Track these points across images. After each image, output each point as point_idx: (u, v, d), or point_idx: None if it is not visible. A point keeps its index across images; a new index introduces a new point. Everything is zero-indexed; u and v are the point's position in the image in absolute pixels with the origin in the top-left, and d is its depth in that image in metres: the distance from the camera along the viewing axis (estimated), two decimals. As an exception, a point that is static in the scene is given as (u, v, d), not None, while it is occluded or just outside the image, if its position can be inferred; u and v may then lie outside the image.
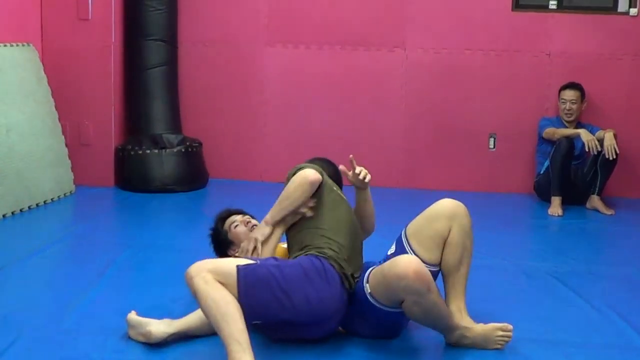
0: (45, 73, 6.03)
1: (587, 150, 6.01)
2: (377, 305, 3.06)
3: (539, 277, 4.29)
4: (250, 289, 2.88)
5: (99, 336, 3.19)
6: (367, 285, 3.09)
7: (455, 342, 3.17)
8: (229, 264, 2.93)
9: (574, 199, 6.18)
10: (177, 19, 6.67)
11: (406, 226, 3.39)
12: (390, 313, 3.08)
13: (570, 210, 6.03)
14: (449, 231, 3.27)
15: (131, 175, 6.33)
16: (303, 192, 3.26)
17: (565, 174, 6.08)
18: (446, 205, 3.35)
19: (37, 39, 6.21)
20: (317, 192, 3.32)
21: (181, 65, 6.76)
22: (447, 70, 6.69)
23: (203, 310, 2.86)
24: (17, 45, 5.75)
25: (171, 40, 6.59)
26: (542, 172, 6.32)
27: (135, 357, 3.03)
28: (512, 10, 6.60)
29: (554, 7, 6.57)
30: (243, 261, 2.97)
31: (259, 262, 3.00)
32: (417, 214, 3.43)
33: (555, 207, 5.99)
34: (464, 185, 6.75)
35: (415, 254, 3.22)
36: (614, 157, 5.93)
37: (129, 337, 3.18)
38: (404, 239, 3.34)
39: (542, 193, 6.32)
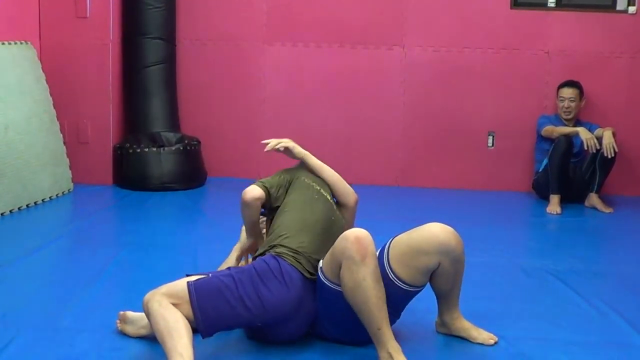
0: (43, 71, 6.02)
1: (585, 148, 6.01)
2: (324, 281, 3.02)
3: (538, 275, 4.29)
4: (203, 302, 2.92)
5: (98, 334, 3.20)
6: (322, 260, 3.07)
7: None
8: (181, 283, 2.97)
9: (573, 197, 6.18)
10: (175, 16, 6.66)
11: (390, 241, 3.13)
12: (338, 296, 2.98)
13: (569, 208, 6.03)
14: (439, 265, 3.07)
15: (129, 174, 6.33)
16: (245, 210, 3.46)
17: (564, 172, 6.08)
18: (436, 238, 3.04)
19: (35, 37, 6.21)
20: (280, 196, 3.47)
21: (179, 63, 6.76)
22: (446, 68, 6.69)
23: (154, 330, 2.88)
24: (15, 44, 5.74)
25: (169, 38, 6.58)
26: (540, 170, 6.32)
27: (134, 354, 3.04)
28: (511, 8, 6.60)
29: (553, 5, 6.57)
30: (193, 277, 3.00)
31: (210, 274, 3.03)
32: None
33: (554, 205, 5.99)
34: (463, 183, 6.76)
35: (397, 277, 3.02)
36: (613, 155, 5.93)
37: (127, 334, 3.18)
38: (385, 260, 3.06)
39: (541, 191, 6.32)
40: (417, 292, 3.13)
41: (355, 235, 2.88)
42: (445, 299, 3.23)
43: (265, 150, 3.64)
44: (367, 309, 2.87)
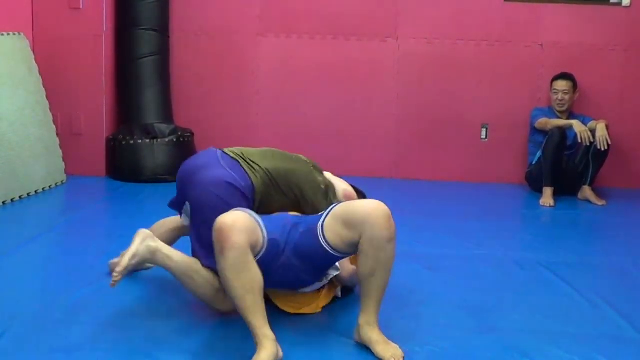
0: (36, 62, 6.00)
1: (579, 141, 6.01)
2: None
3: (531, 268, 4.30)
4: None
5: (91, 326, 3.19)
6: None
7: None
8: None
9: (566, 190, 6.19)
10: (169, 8, 6.64)
11: (335, 205, 3.13)
12: None
13: (562, 201, 6.04)
14: (360, 238, 2.94)
15: (123, 165, 6.32)
16: None
17: (557, 164, 6.08)
18: (361, 209, 2.96)
19: (29, 28, 6.18)
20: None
21: (173, 54, 6.74)
22: (440, 60, 6.69)
23: None
24: (8, 35, 5.72)
25: (163, 30, 6.57)
26: (534, 162, 6.33)
27: (128, 346, 3.03)
28: (505, 0, 6.60)
29: (547, -3, 6.58)
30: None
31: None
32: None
33: (547, 198, 6.00)
34: (456, 175, 6.77)
35: (327, 243, 3.01)
36: (606, 147, 5.93)
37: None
38: (322, 219, 3.06)
39: (534, 183, 6.33)
40: (340, 257, 3.11)
41: (219, 225, 2.86)
42: (364, 286, 3.02)
43: None
44: (232, 298, 2.89)
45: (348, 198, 3.50)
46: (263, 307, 2.88)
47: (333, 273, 3.33)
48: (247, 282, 2.84)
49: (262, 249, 2.98)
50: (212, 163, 3.31)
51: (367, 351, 3.01)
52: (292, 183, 3.37)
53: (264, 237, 2.99)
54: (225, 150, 3.40)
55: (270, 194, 3.32)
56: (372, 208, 2.94)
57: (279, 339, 2.85)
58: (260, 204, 3.29)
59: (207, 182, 3.24)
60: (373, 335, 3.00)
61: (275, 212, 3.31)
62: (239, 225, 2.86)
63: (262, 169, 3.33)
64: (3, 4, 5.87)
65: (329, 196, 3.46)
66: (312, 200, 3.40)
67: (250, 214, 2.98)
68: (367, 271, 2.97)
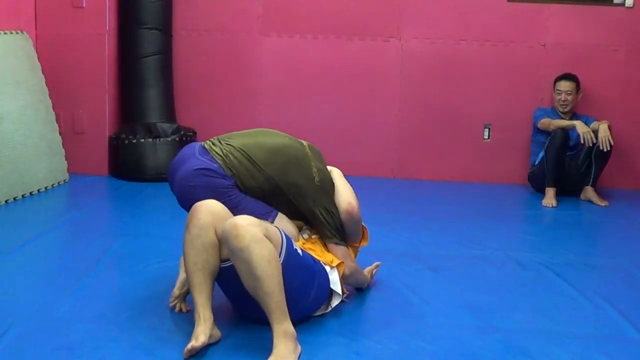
0: (39, 61, 6.01)
1: (582, 142, 6.01)
2: None
3: (533, 268, 4.30)
4: None
5: (93, 324, 3.19)
6: None
7: None
8: None
9: (568, 190, 6.19)
10: (172, 7, 6.64)
11: None
12: None
13: (564, 201, 6.04)
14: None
15: (125, 164, 6.32)
16: None
17: (560, 164, 6.08)
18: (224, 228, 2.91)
19: (31, 26, 6.19)
20: None
21: (176, 53, 6.74)
22: (442, 60, 6.69)
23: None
24: (11, 33, 5.72)
25: (166, 29, 6.57)
26: (536, 162, 6.33)
27: (130, 345, 3.03)
28: (508, 0, 6.59)
29: (550, -3, 6.58)
30: None
31: None
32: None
33: (550, 198, 6.00)
34: (458, 175, 6.77)
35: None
36: (608, 148, 5.94)
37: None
38: None
39: (537, 184, 6.33)
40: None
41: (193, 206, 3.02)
42: None
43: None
44: (186, 272, 3.03)
45: (349, 214, 3.42)
46: (210, 289, 2.96)
47: (335, 301, 3.34)
48: (199, 261, 2.95)
49: (282, 247, 2.98)
50: (188, 157, 3.30)
51: (367, 351, 3.02)
52: (273, 161, 3.31)
53: (281, 234, 3.02)
54: (206, 144, 3.36)
55: (249, 171, 3.25)
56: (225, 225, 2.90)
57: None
58: (243, 186, 3.25)
59: (181, 177, 3.26)
60: (275, 344, 2.85)
61: (270, 197, 3.30)
62: (208, 205, 2.98)
63: (234, 147, 3.28)
64: (6, 2, 5.87)
65: (324, 192, 3.39)
66: (302, 185, 3.32)
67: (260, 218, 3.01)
68: (245, 284, 2.90)
